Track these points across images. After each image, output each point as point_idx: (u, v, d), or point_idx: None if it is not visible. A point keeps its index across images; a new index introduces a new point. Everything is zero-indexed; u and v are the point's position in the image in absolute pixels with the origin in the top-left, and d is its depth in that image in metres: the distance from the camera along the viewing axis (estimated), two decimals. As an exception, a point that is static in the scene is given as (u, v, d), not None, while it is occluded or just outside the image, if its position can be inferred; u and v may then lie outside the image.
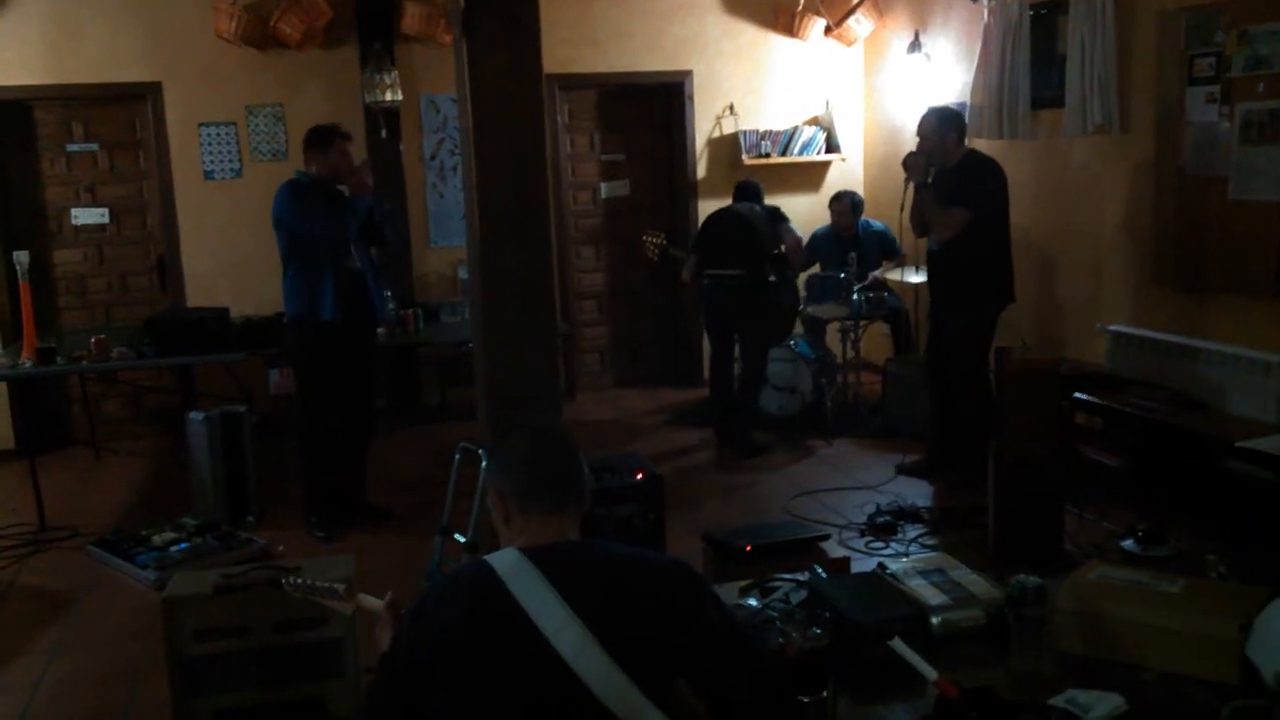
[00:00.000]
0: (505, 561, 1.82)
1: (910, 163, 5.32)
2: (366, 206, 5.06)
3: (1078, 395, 5.13)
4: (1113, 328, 5.57)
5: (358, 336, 5.17)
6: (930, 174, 5.28)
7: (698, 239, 6.47)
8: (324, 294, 4.96)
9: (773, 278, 6.15)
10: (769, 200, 6.55)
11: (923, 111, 5.48)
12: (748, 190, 6.46)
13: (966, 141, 5.39)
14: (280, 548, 4.96)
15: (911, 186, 5.32)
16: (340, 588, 2.17)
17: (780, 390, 6.56)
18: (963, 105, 6.70)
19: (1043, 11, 6.07)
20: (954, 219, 5.16)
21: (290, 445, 5.43)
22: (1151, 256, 5.46)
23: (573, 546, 1.89)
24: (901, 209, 5.56)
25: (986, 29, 6.36)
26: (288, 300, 5.07)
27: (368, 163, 5.19)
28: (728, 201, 6.56)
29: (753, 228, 6.14)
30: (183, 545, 4.83)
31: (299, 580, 2.22)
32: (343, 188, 5.03)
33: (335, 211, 4.95)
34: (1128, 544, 3.79)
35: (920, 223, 5.43)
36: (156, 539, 4.89)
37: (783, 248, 6.17)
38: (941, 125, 5.27)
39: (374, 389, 5.52)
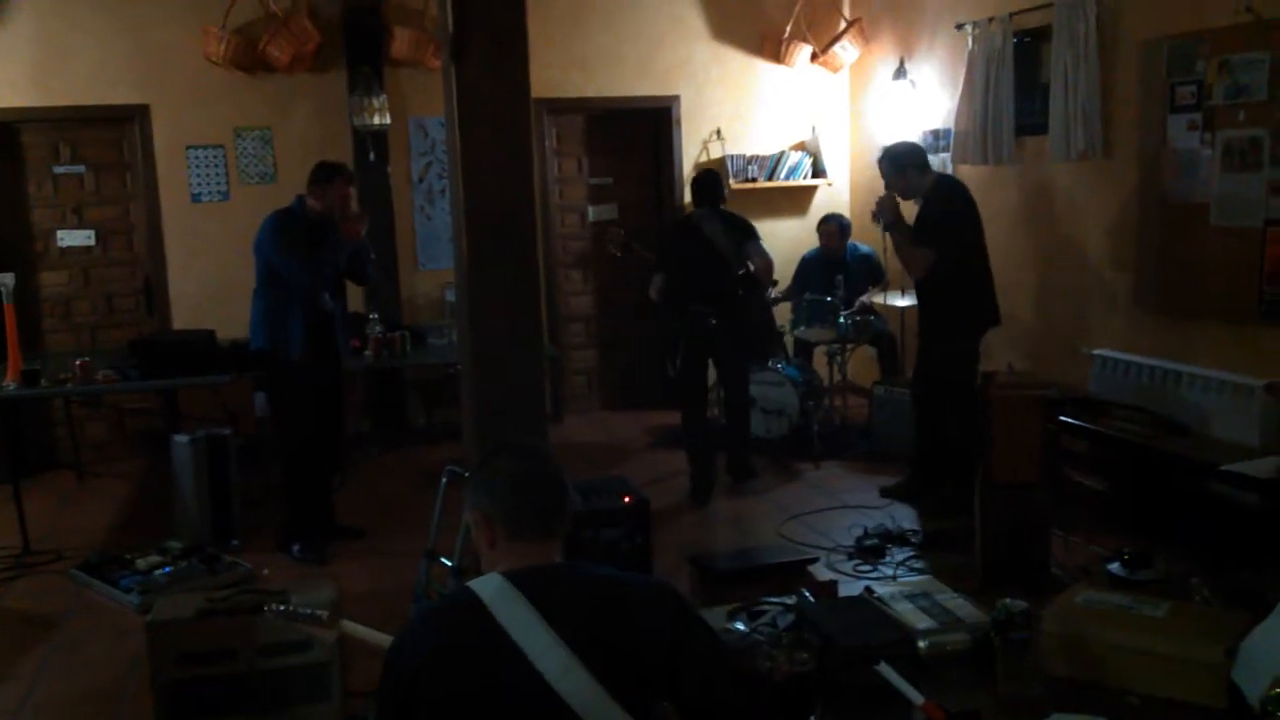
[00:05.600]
0: (488, 586, 1.81)
1: (880, 205, 5.36)
2: (352, 251, 5.14)
3: (1064, 419, 5.14)
4: (1098, 352, 5.59)
5: (326, 369, 5.21)
6: (899, 213, 5.33)
7: (662, 255, 6.01)
8: (292, 333, 5.01)
9: (741, 293, 5.80)
10: (747, 218, 6.08)
11: (893, 144, 5.59)
12: (706, 187, 5.92)
13: (951, 168, 5.43)
14: (265, 571, 4.93)
15: (883, 229, 5.41)
16: (323, 614, 2.16)
17: (768, 413, 6.56)
18: (948, 132, 6.76)
19: (1026, 39, 6.13)
20: (919, 259, 5.23)
21: (274, 469, 5.41)
22: (1135, 281, 5.50)
23: (557, 569, 1.89)
24: (884, 253, 5.62)
25: (971, 56, 6.43)
26: (253, 329, 5.15)
27: (365, 215, 5.27)
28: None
29: (715, 252, 5.70)
30: (167, 569, 4.79)
31: (281, 607, 2.21)
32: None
33: (315, 254, 4.98)
34: (1114, 567, 3.81)
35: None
36: (140, 563, 4.85)
37: (751, 266, 5.74)
38: (896, 164, 5.36)
39: (342, 419, 5.57)
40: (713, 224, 5.77)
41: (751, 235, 5.84)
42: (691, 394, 5.97)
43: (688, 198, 7.68)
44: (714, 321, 5.73)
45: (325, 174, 5.07)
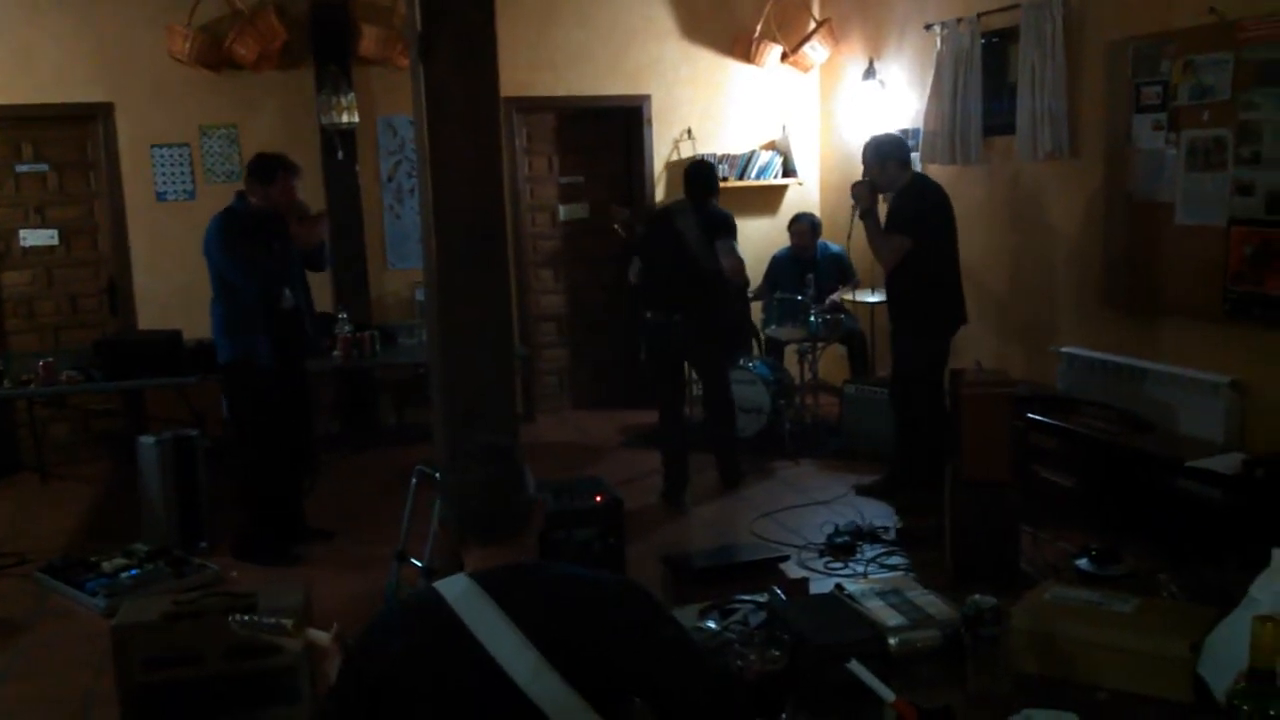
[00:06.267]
0: (454, 588, 1.80)
1: (855, 191, 5.40)
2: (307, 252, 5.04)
3: (1032, 416, 5.19)
4: (1065, 349, 5.65)
5: (291, 370, 5.12)
6: (876, 201, 5.37)
7: (640, 241, 5.92)
8: (257, 341, 4.89)
9: (711, 292, 5.64)
10: (730, 214, 5.80)
11: (881, 134, 5.58)
12: (692, 179, 5.71)
13: (920, 167, 5.45)
14: (233, 573, 4.88)
15: (856, 215, 5.41)
16: (288, 623, 2.14)
17: (743, 412, 6.52)
18: (916, 131, 6.79)
19: (994, 40, 6.17)
20: (892, 246, 5.24)
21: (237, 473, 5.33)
22: (1102, 280, 5.55)
23: (524, 570, 1.87)
24: (848, 238, 5.67)
25: (939, 57, 6.46)
26: (217, 338, 5.00)
27: (324, 217, 5.17)
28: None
29: (686, 251, 5.51)
30: (133, 572, 4.74)
31: (246, 618, 2.19)
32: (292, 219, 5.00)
33: (267, 255, 4.87)
34: (1082, 563, 3.83)
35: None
36: (106, 565, 4.79)
37: (721, 264, 5.53)
38: (879, 154, 5.37)
39: (310, 417, 5.48)
40: (687, 219, 5.58)
41: (725, 233, 5.56)
42: (666, 393, 5.88)
43: (659, 196, 7.75)
44: (677, 320, 5.58)
45: (266, 173, 4.92)
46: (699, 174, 5.76)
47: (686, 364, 6.05)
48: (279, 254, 4.94)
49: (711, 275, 5.59)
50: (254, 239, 4.87)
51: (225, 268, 4.85)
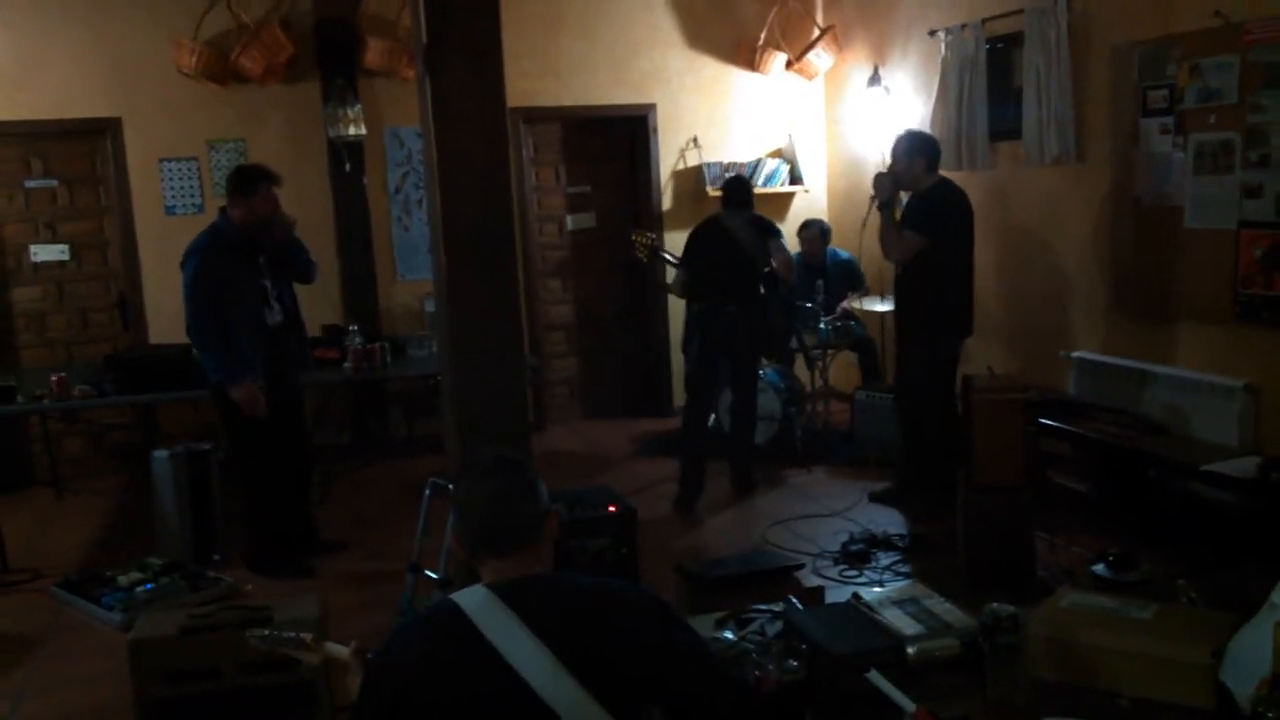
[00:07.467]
0: (473, 599, 1.82)
1: (877, 181, 5.39)
2: (286, 247, 5.02)
3: (1044, 421, 5.18)
4: (1077, 354, 5.64)
5: (283, 385, 5.08)
6: (896, 196, 5.35)
7: (687, 253, 6.06)
8: (249, 365, 4.85)
9: (764, 290, 5.92)
10: (771, 220, 6.27)
11: (919, 130, 5.58)
12: (736, 191, 6.05)
13: (942, 171, 5.42)
14: (249, 586, 4.89)
15: (874, 205, 5.40)
16: (307, 637, 2.15)
17: (759, 420, 6.51)
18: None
19: (999, 45, 6.17)
20: (903, 242, 5.23)
21: (236, 492, 5.30)
22: (1112, 284, 5.55)
23: (540, 580, 1.89)
24: (863, 225, 5.65)
25: (944, 62, 6.47)
26: (206, 363, 4.93)
27: (292, 220, 5.11)
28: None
29: (740, 247, 5.78)
30: (148, 586, 4.75)
31: (264, 632, 2.20)
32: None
33: (253, 271, 4.87)
34: (1098, 569, 3.83)
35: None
36: (122, 579, 4.80)
37: (773, 263, 5.84)
38: (910, 149, 5.33)
39: (305, 429, 5.48)
40: (735, 220, 5.88)
41: (774, 233, 5.94)
42: (699, 391, 5.96)
43: (666, 205, 7.76)
44: (733, 309, 5.72)
45: (248, 185, 4.85)
46: (739, 185, 6.15)
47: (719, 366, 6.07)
48: (264, 269, 4.94)
49: (762, 273, 5.79)
50: (238, 256, 4.86)
51: (187, 312, 4.82)
